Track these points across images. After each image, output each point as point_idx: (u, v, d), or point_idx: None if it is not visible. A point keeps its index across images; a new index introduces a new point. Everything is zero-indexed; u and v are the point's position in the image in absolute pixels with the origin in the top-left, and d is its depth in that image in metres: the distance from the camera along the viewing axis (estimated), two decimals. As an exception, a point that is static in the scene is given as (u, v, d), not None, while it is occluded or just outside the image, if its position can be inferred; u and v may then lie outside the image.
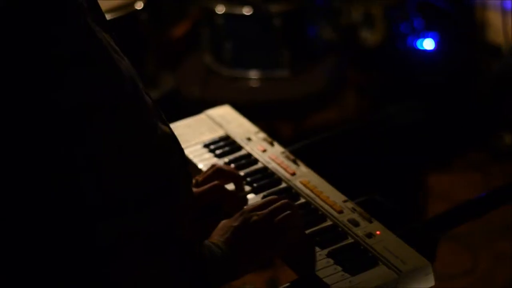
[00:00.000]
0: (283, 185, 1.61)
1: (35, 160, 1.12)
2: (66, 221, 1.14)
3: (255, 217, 1.38)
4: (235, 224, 1.37)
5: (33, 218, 1.14)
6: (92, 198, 1.13)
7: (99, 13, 1.22)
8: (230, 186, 1.60)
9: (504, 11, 3.66)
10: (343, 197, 1.55)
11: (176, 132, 1.79)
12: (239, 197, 1.58)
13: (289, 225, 1.40)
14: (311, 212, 1.52)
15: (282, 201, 1.43)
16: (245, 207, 1.42)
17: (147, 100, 1.23)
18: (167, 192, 1.20)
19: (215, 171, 1.57)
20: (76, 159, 1.12)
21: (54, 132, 1.11)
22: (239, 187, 1.59)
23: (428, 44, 3.71)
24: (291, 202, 1.44)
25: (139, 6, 3.17)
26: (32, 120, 1.11)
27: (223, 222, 1.40)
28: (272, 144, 1.74)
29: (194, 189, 1.53)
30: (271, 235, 1.38)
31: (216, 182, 1.55)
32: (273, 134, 1.81)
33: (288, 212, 1.40)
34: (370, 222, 1.47)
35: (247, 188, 1.61)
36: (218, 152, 1.75)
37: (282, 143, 1.76)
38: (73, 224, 1.14)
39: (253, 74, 3.52)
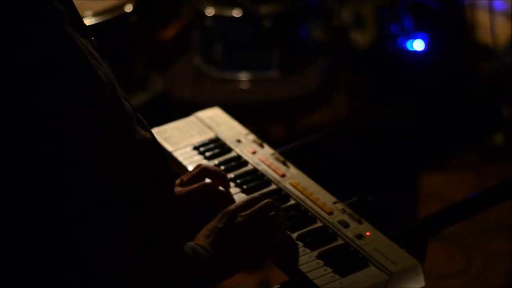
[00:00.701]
0: (273, 186, 1.60)
1: (20, 162, 1.11)
2: (56, 221, 1.14)
3: (239, 218, 1.38)
4: (220, 225, 1.37)
5: (21, 219, 1.14)
6: (80, 198, 1.13)
7: (77, 18, 1.22)
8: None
9: (493, 12, 3.67)
10: (333, 199, 1.54)
11: (165, 135, 1.80)
12: (230, 196, 1.58)
13: (274, 224, 1.40)
14: (301, 213, 1.51)
15: (265, 200, 1.43)
16: (228, 207, 1.42)
17: (126, 105, 1.23)
18: (153, 194, 1.20)
19: (200, 170, 1.57)
20: (61, 160, 1.12)
21: (39, 133, 1.11)
22: (225, 187, 1.58)
23: (418, 45, 3.71)
24: (273, 201, 1.45)
25: (128, 8, 3.17)
26: (14, 122, 1.11)
27: (208, 224, 1.39)
28: (262, 146, 1.74)
29: (181, 189, 1.53)
30: (257, 235, 1.39)
31: (205, 181, 1.55)
32: (264, 136, 1.81)
33: (274, 212, 1.41)
34: (360, 223, 1.47)
35: (236, 190, 1.61)
36: (207, 154, 1.74)
37: (273, 145, 1.76)
38: (64, 225, 1.14)
39: (243, 75, 3.52)
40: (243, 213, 1.40)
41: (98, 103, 1.15)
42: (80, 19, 1.23)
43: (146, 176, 1.20)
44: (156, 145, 1.29)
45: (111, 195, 1.15)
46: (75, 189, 1.13)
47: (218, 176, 1.58)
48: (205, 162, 1.72)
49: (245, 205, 1.42)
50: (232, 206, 1.42)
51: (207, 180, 1.56)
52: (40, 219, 1.13)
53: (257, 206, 1.41)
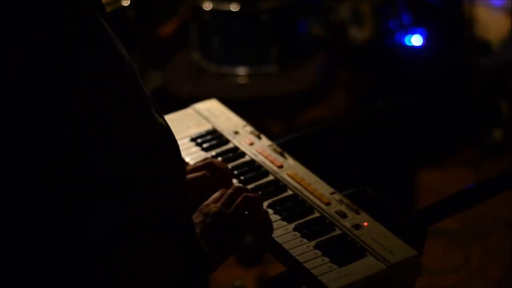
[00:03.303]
0: (270, 177, 1.60)
1: (43, 143, 1.11)
2: (69, 202, 1.13)
3: (214, 209, 1.40)
4: (198, 220, 1.39)
5: (38, 201, 1.13)
6: (98, 179, 1.12)
7: (100, 1, 1.22)
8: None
9: (492, 7, 3.67)
10: (331, 189, 1.54)
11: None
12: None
13: (251, 206, 1.42)
14: (299, 204, 1.51)
15: (233, 186, 1.46)
16: (202, 204, 1.44)
17: (145, 88, 1.23)
18: (167, 177, 1.20)
19: (207, 163, 1.57)
20: (82, 140, 1.11)
21: (62, 111, 1.10)
22: (226, 186, 1.57)
23: (416, 40, 3.71)
24: (242, 186, 1.48)
25: (126, 2, 3.16)
26: (42, 103, 1.10)
27: None
28: (259, 138, 1.73)
29: None
30: (236, 220, 1.40)
31: (205, 172, 1.54)
32: (262, 131, 1.80)
33: (245, 194, 1.43)
34: (358, 213, 1.46)
35: (234, 181, 1.60)
36: (205, 145, 1.74)
37: (271, 140, 1.75)
38: (74, 208, 1.13)
39: (241, 70, 3.51)
40: (216, 204, 1.42)
41: (122, 84, 1.15)
42: (101, 2, 1.23)
43: (163, 159, 1.20)
44: (170, 132, 1.29)
45: (127, 177, 1.14)
46: (94, 170, 1.12)
47: (221, 173, 1.57)
48: (202, 153, 1.72)
49: (217, 197, 1.44)
50: (205, 203, 1.43)
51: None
52: (54, 198, 1.12)
53: (227, 193, 1.44)
